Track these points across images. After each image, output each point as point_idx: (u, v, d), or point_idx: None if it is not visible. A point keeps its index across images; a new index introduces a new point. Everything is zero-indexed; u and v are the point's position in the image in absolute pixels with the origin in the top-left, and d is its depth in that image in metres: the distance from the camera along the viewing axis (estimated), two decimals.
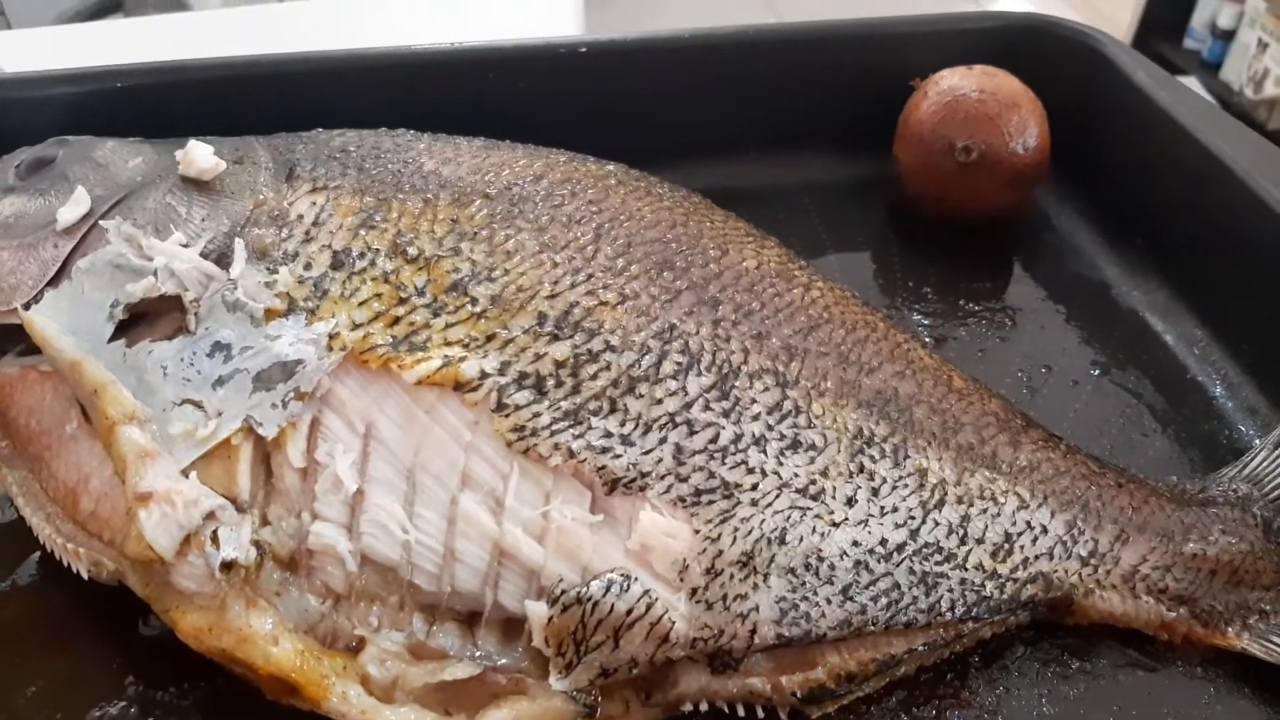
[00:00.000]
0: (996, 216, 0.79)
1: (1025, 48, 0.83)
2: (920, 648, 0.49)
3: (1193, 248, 0.74)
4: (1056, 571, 0.52)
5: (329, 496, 0.47)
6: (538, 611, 0.46)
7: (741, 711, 0.48)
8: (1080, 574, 0.52)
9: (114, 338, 0.50)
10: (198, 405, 0.48)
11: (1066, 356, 0.70)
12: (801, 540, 0.48)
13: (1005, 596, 0.51)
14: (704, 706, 0.48)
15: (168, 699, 0.48)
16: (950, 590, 0.50)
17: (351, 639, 0.47)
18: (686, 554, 0.47)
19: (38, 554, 0.54)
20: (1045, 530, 0.53)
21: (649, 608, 0.46)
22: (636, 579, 0.46)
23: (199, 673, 0.48)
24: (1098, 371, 0.69)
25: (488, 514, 0.47)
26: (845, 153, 0.85)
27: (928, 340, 0.70)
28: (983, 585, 0.51)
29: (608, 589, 0.45)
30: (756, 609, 0.47)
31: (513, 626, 0.48)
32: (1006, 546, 0.52)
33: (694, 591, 0.46)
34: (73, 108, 0.73)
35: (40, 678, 0.49)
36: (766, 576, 0.47)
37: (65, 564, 0.49)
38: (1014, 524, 0.52)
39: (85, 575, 0.49)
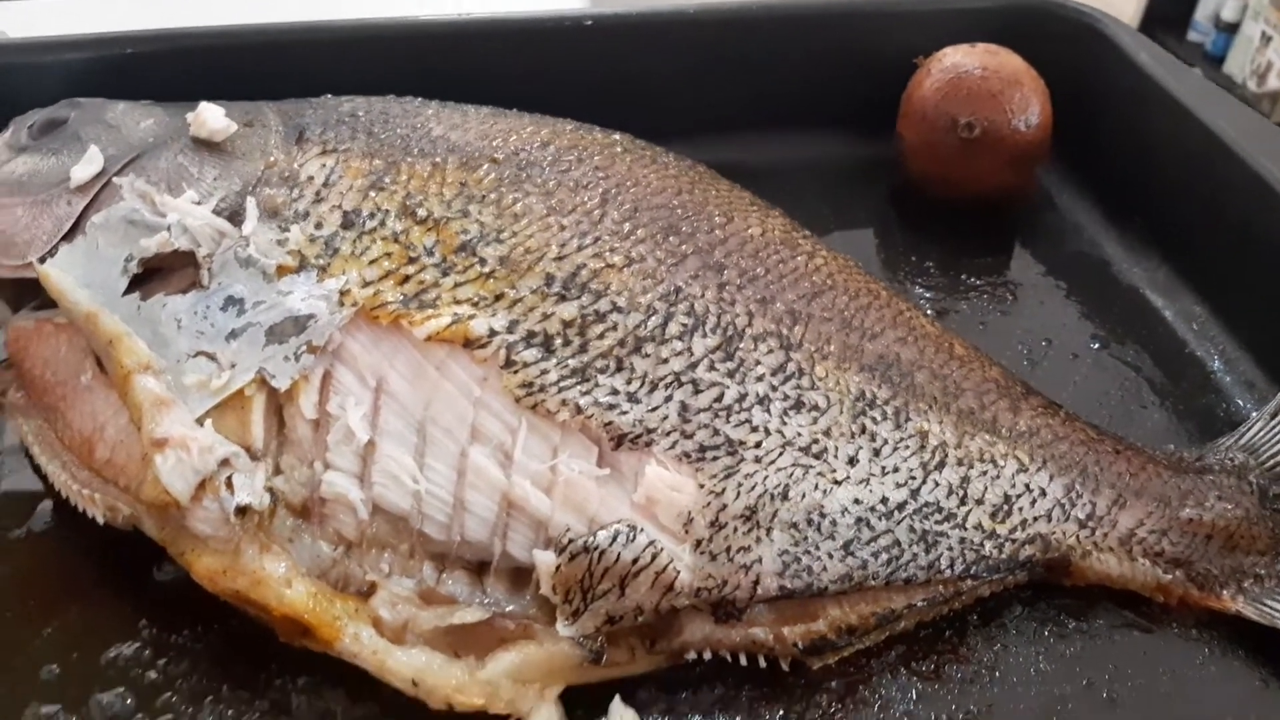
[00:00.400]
0: (998, 194, 0.80)
1: (1028, 27, 0.83)
2: (920, 603, 0.50)
3: (1193, 226, 0.75)
4: (1054, 533, 0.53)
5: (341, 447, 0.48)
6: (546, 560, 0.47)
7: (744, 661, 0.49)
8: (1078, 536, 0.53)
9: (128, 291, 0.51)
10: (211, 357, 0.49)
11: (1066, 330, 0.71)
12: (804, 496, 0.49)
13: (1004, 556, 0.52)
14: (707, 655, 0.48)
15: (181, 641, 0.49)
16: (950, 549, 0.51)
17: (363, 584, 0.48)
18: (691, 507, 0.48)
19: (51, 502, 0.54)
20: (1044, 493, 0.54)
21: (654, 557, 0.46)
22: (642, 530, 0.47)
23: (211, 616, 0.49)
24: (1097, 345, 0.70)
25: (496, 467, 0.48)
26: (848, 131, 0.86)
27: (929, 313, 0.71)
28: (982, 545, 0.51)
29: (614, 539, 0.46)
30: (759, 561, 0.48)
31: (520, 575, 0.49)
32: (1005, 508, 0.53)
33: (698, 543, 0.47)
34: (82, 73, 0.73)
35: (56, 620, 0.50)
36: (769, 530, 0.48)
37: (81, 510, 0.50)
38: (1013, 486, 0.53)
39: (101, 520, 0.49)
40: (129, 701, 0.47)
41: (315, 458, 0.48)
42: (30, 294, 0.56)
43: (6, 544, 0.53)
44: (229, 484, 0.46)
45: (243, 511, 0.46)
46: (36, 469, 0.54)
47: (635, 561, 0.46)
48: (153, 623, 0.50)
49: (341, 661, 0.46)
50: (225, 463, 0.46)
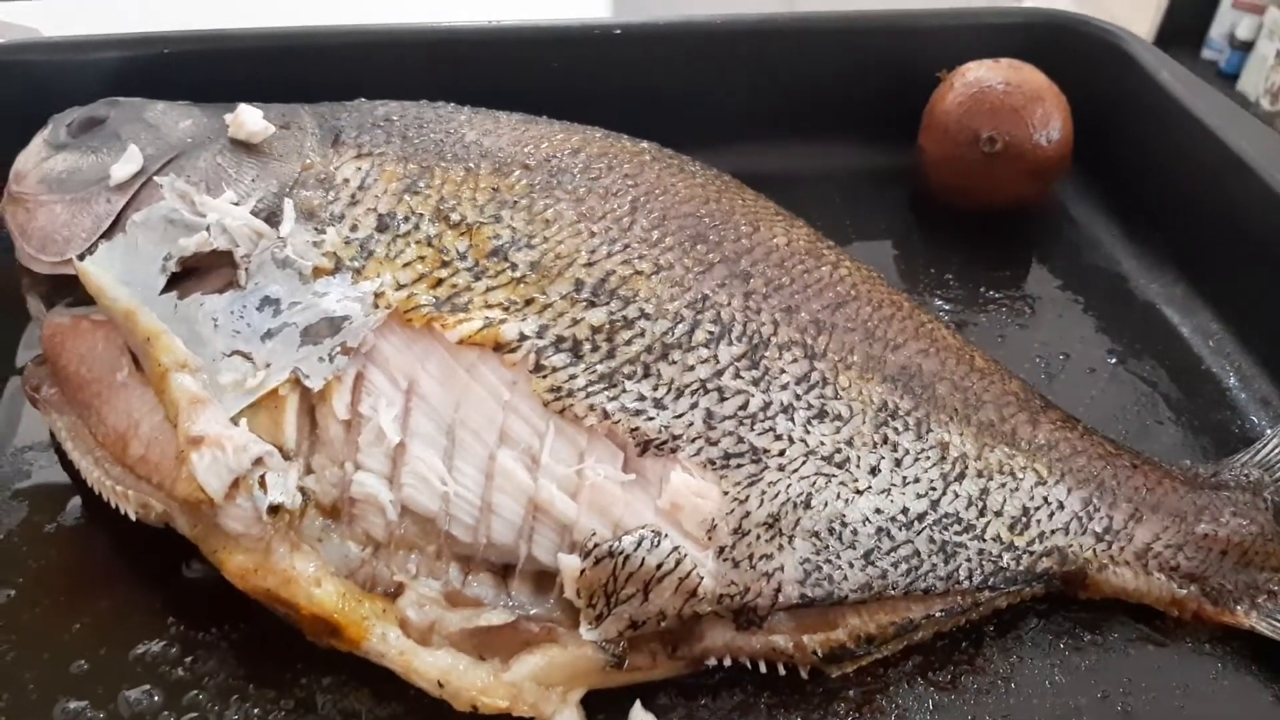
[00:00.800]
0: (1018, 207, 0.81)
1: (1050, 43, 0.84)
2: (938, 614, 0.51)
3: (1210, 243, 0.75)
4: (1071, 546, 0.53)
5: (372, 448, 0.49)
6: (570, 564, 0.47)
7: (763, 668, 0.49)
8: (1094, 549, 0.54)
9: (166, 290, 0.52)
10: (247, 357, 0.50)
11: (1083, 345, 0.72)
12: (826, 505, 0.50)
13: (1021, 568, 0.52)
14: (728, 662, 0.49)
15: (208, 639, 0.50)
16: (968, 559, 0.51)
17: (390, 585, 0.48)
18: (715, 514, 0.48)
19: (81, 498, 0.55)
20: (1062, 506, 0.54)
21: (678, 563, 0.47)
22: (666, 536, 0.47)
23: (239, 615, 0.50)
24: (1114, 360, 0.71)
25: (524, 470, 0.49)
26: (870, 142, 0.87)
27: (949, 325, 0.72)
28: (1000, 556, 0.52)
29: (639, 544, 0.47)
30: (781, 569, 0.48)
31: (545, 579, 0.49)
32: (1024, 520, 0.53)
33: (721, 550, 0.48)
34: (117, 73, 0.74)
35: (85, 615, 0.51)
36: (792, 538, 0.49)
37: (113, 506, 0.50)
38: (1031, 499, 0.54)
39: (134, 517, 0.50)
40: (156, 698, 0.48)
41: (346, 458, 0.49)
42: (64, 291, 0.57)
43: (38, 538, 0.54)
44: (262, 483, 0.47)
45: (275, 510, 0.47)
46: (67, 464, 0.55)
47: (659, 567, 0.47)
48: (181, 620, 0.50)
49: (367, 662, 0.47)
50: (259, 461, 0.47)
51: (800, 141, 0.86)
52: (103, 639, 0.50)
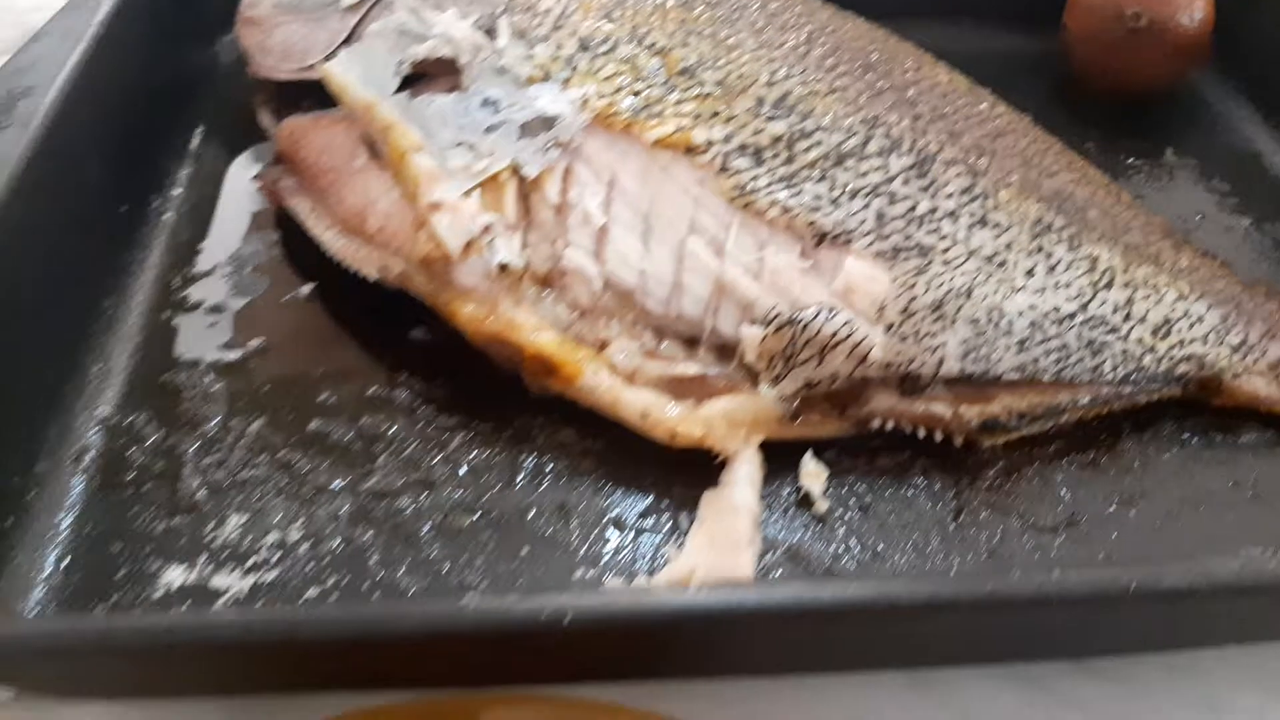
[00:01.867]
0: (1159, 87, 0.83)
1: None
2: (1083, 400, 0.56)
3: None
4: (1209, 354, 0.58)
5: (579, 229, 0.55)
6: (752, 333, 0.53)
7: (921, 435, 0.55)
8: (1230, 359, 0.58)
9: (398, 91, 0.58)
10: (471, 147, 0.56)
11: (1219, 210, 0.75)
12: (985, 298, 0.55)
13: (1161, 369, 0.57)
14: (889, 426, 0.54)
15: (434, 388, 0.57)
16: (1113, 356, 0.56)
17: (596, 342, 0.55)
18: (885, 296, 0.54)
19: (311, 282, 0.63)
20: (1201, 320, 0.58)
21: (850, 334, 0.53)
22: (841, 311, 0.53)
23: (460, 370, 0.57)
24: (1249, 222, 0.74)
25: (711, 255, 0.55)
26: (1012, 23, 0.90)
27: None
28: (1141, 357, 0.57)
29: (816, 314, 0.53)
30: (944, 345, 0.54)
31: (727, 351, 0.55)
32: (1165, 328, 0.58)
33: (889, 326, 0.53)
34: None
35: (328, 363, 0.58)
36: (954, 322, 0.54)
37: (353, 271, 0.58)
38: (1173, 311, 0.58)
39: (374, 278, 0.57)
40: (393, 424, 0.55)
41: (557, 236, 0.55)
42: (290, 108, 0.64)
43: (278, 305, 0.61)
44: (491, 244, 0.53)
45: (503, 267, 0.53)
46: (292, 252, 0.62)
47: (834, 335, 0.52)
48: (409, 371, 0.57)
49: (574, 407, 0.53)
50: (486, 229, 0.54)
51: (945, 21, 0.90)
52: (344, 380, 0.57)
